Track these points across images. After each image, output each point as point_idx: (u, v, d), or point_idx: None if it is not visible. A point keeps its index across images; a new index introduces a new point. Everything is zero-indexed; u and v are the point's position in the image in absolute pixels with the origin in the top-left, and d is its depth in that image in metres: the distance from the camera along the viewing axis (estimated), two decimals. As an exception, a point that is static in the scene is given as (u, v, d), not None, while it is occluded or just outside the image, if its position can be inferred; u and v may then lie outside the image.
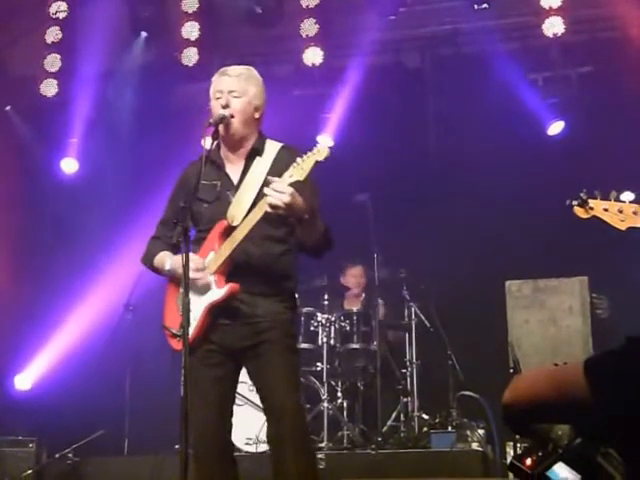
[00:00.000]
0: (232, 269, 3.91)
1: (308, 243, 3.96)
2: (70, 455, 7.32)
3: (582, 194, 3.98)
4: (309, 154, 3.77)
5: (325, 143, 3.84)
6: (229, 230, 3.91)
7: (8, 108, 9.30)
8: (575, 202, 4.00)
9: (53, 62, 8.93)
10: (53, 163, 9.34)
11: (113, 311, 8.13)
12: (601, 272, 7.03)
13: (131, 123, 8.82)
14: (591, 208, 3.98)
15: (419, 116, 8.81)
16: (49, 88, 8.96)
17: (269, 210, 3.74)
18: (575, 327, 6.75)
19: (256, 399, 6.60)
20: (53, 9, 8.96)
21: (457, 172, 8.51)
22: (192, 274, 3.75)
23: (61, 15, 8.96)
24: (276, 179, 3.74)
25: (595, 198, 3.98)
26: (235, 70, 4.09)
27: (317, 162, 3.76)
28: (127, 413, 7.71)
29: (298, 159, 3.77)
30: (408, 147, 8.71)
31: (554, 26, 7.91)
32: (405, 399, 7.61)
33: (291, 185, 3.72)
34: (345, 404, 7.53)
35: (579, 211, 4.02)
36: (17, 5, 8.86)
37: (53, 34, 8.93)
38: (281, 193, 3.68)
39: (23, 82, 9.30)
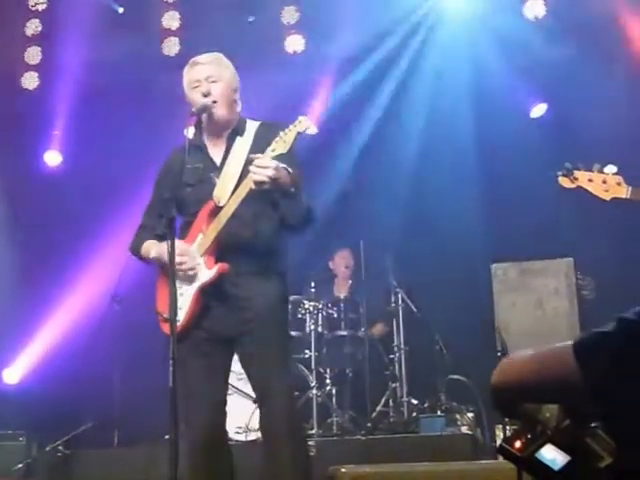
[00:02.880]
0: (221, 250, 3.90)
1: (291, 218, 3.96)
2: (60, 448, 7.31)
3: (567, 164, 4.01)
4: (290, 127, 3.79)
5: (307, 119, 3.82)
6: (216, 211, 3.91)
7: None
8: (560, 172, 4.03)
9: (34, 55, 8.90)
10: (36, 156, 9.31)
11: (100, 302, 8.11)
12: (586, 253, 7.06)
13: (113, 114, 8.77)
14: (576, 178, 4.01)
15: (404, 98, 8.80)
16: (30, 81, 8.93)
17: (254, 187, 3.74)
18: (562, 309, 6.78)
19: (245, 387, 6.68)
20: (32, 1, 8.90)
21: (441, 155, 8.51)
22: (179, 259, 3.74)
23: (40, 7, 8.90)
24: (259, 155, 3.75)
25: (579, 169, 4.01)
26: (206, 57, 4.13)
27: (299, 134, 3.77)
28: (116, 404, 7.70)
29: (281, 133, 3.78)
30: (392, 129, 8.72)
31: (535, 8, 7.93)
32: (394, 384, 7.63)
33: (275, 159, 3.72)
34: (334, 391, 7.54)
35: (564, 181, 4.05)
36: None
37: (33, 27, 8.88)
38: (265, 168, 3.68)
39: (4, 76, 9.24)
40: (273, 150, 3.76)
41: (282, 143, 3.77)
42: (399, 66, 8.69)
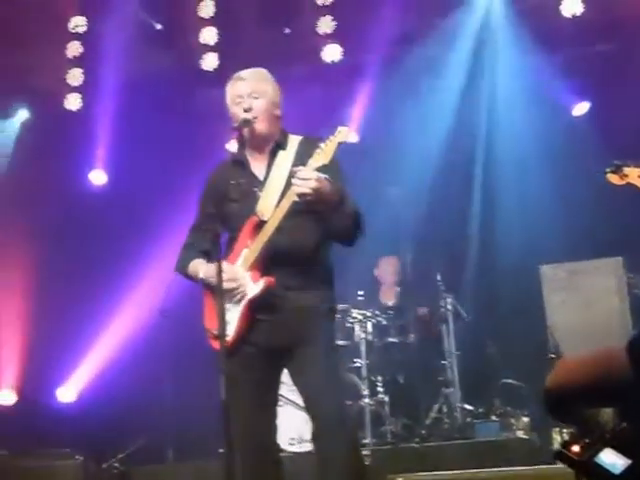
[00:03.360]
0: (266, 264, 3.90)
1: (339, 228, 3.92)
2: (116, 465, 7.37)
3: (615, 161, 3.96)
4: (331, 137, 3.78)
5: (347, 129, 3.81)
6: (260, 225, 3.91)
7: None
8: (608, 169, 3.98)
9: (76, 76, 9.03)
10: (81, 176, 9.43)
11: (149, 318, 8.18)
12: (636, 252, 6.96)
13: (155, 131, 8.84)
14: (625, 175, 3.95)
15: (443, 105, 8.75)
16: (73, 102, 9.06)
17: (297, 199, 3.74)
18: (612, 308, 6.70)
19: (297, 399, 6.67)
20: (72, 24, 9.04)
21: (487, 159, 8.46)
22: (226, 284, 3.74)
23: (80, 30, 9.04)
24: (301, 167, 3.75)
25: (629, 166, 3.96)
26: (249, 73, 4.11)
27: (339, 144, 3.76)
28: (169, 420, 7.74)
29: (321, 144, 3.78)
30: (434, 137, 8.67)
31: (573, 6, 7.84)
32: (447, 390, 7.56)
33: (317, 170, 3.72)
34: (386, 399, 7.51)
35: (613, 178, 4.00)
36: (38, 22, 8.92)
37: (74, 49, 9.02)
38: (307, 180, 3.68)
39: (47, 97, 9.38)
40: (315, 162, 3.76)
41: (323, 154, 3.76)
42: (438, 70, 8.64)
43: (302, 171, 3.72)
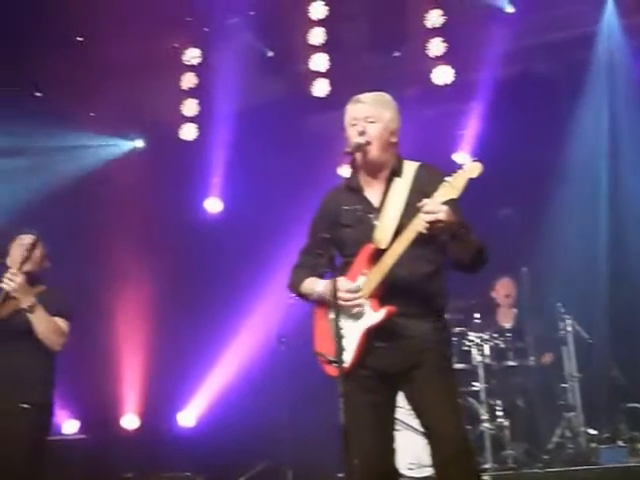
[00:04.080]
0: (386, 292, 3.89)
1: (464, 259, 3.88)
2: (237, 489, 7.45)
3: None
4: (460, 172, 3.73)
5: (470, 161, 3.75)
6: (377, 253, 3.90)
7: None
8: None
9: (190, 107, 9.26)
10: (197, 204, 9.62)
11: (266, 344, 8.25)
12: None
13: (268, 158, 8.96)
14: None
15: (556, 125, 8.59)
16: (188, 132, 9.28)
17: (424, 231, 3.71)
18: None
19: (415, 423, 6.61)
20: (187, 57, 9.28)
21: (600, 180, 8.26)
22: (345, 295, 3.75)
23: (195, 61, 9.27)
24: (427, 200, 3.72)
25: None
26: (369, 97, 4.08)
27: (470, 179, 3.71)
28: (288, 444, 7.77)
29: (448, 178, 3.73)
30: (547, 157, 8.50)
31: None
32: (569, 414, 7.37)
33: (444, 203, 3.69)
34: (506, 423, 7.38)
35: None
36: (153, 55, 9.19)
37: (188, 80, 9.26)
38: (436, 213, 3.65)
39: (163, 128, 9.64)
40: (442, 195, 3.72)
41: (451, 188, 3.71)
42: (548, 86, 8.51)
43: (430, 204, 3.69)
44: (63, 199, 9.09)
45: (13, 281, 4.89)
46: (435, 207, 3.66)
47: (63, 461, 7.07)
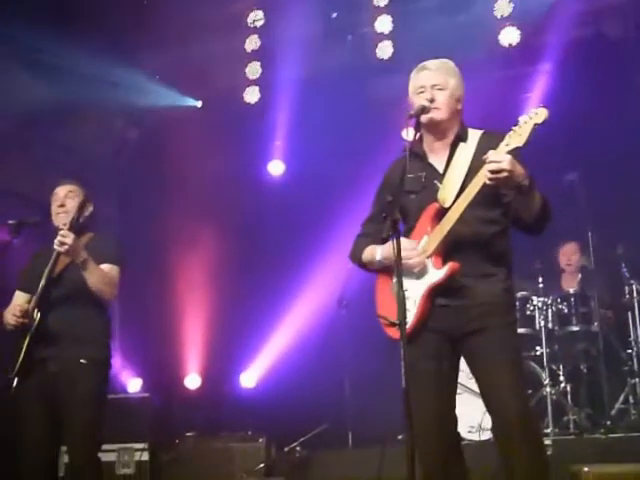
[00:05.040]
0: (448, 251, 3.87)
1: (528, 216, 3.81)
2: (298, 449, 7.53)
3: None
4: (526, 119, 3.65)
5: (544, 109, 3.66)
6: (440, 212, 3.88)
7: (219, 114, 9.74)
8: None
9: (254, 70, 9.26)
10: (260, 167, 9.66)
11: (328, 307, 8.29)
12: None
13: (331, 121, 8.93)
14: None
15: (625, 89, 8.40)
16: (252, 95, 9.29)
17: (487, 182, 3.66)
18: None
19: (475, 386, 6.60)
20: (250, 18, 9.27)
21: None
22: (406, 254, 3.74)
23: (258, 23, 9.26)
24: (492, 151, 3.68)
25: None
26: (434, 63, 4.05)
27: (536, 125, 3.63)
28: (349, 406, 7.83)
29: (514, 127, 3.67)
30: (615, 122, 8.32)
31: None
32: (633, 380, 7.30)
33: (509, 153, 3.64)
34: (569, 388, 7.35)
35: None
36: (216, 18, 9.20)
37: (252, 42, 9.25)
38: (500, 162, 3.60)
39: (227, 91, 9.66)
40: (507, 144, 3.67)
41: (517, 136, 3.65)
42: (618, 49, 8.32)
43: (495, 153, 3.66)
44: (124, 161, 9.25)
45: (64, 243, 4.86)
46: (499, 156, 3.62)
47: (126, 418, 7.22)
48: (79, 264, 4.87)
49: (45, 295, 4.97)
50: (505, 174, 3.60)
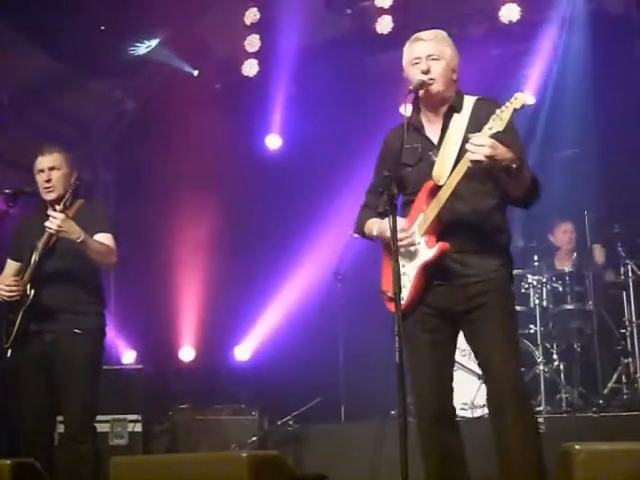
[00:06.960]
0: (442, 228, 3.88)
1: (516, 193, 3.85)
2: (290, 422, 7.55)
3: None
4: (507, 104, 3.68)
5: (524, 94, 3.71)
6: (436, 190, 3.88)
7: (217, 86, 9.67)
8: None
9: (253, 43, 9.20)
10: (257, 140, 9.62)
11: (323, 280, 8.30)
12: None
13: (329, 95, 8.89)
14: None
15: (625, 66, 8.36)
16: (250, 68, 9.23)
17: (471, 165, 3.69)
18: None
19: (469, 364, 6.63)
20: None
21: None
22: (399, 235, 3.75)
23: (258, -4, 9.20)
24: (476, 134, 3.69)
25: None
26: (429, 34, 4.05)
27: (515, 110, 3.66)
28: (342, 380, 7.85)
29: (497, 110, 3.69)
30: (616, 98, 8.30)
31: None
32: (626, 360, 7.33)
33: (492, 137, 3.65)
34: (562, 366, 7.38)
35: None
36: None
37: (252, 15, 9.19)
38: (481, 146, 3.62)
39: (226, 63, 9.61)
40: (490, 128, 3.67)
41: (499, 121, 3.66)
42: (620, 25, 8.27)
43: (476, 137, 3.67)
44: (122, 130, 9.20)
45: (59, 226, 4.77)
46: (481, 141, 3.64)
47: (120, 389, 7.24)
48: (77, 242, 4.83)
49: (38, 269, 4.97)
50: (485, 159, 3.62)
